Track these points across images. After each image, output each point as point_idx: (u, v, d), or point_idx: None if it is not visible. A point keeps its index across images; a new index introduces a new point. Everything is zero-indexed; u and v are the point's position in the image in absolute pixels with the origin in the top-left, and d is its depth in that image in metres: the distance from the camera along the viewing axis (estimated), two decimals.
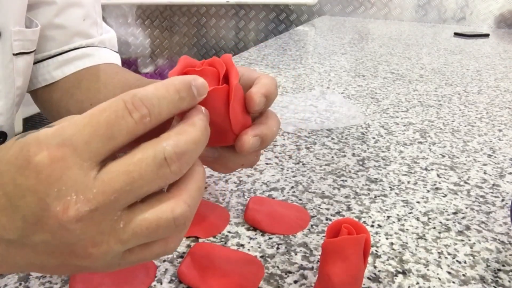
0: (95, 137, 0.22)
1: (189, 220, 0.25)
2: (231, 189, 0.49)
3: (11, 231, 0.24)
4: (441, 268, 0.38)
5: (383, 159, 0.57)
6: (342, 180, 0.52)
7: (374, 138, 0.64)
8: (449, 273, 0.37)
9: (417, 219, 0.44)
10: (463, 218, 0.45)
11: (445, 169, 0.55)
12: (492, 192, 0.50)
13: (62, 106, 0.57)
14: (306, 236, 0.41)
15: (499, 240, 0.42)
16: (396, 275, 0.36)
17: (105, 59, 0.59)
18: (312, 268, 0.37)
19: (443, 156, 0.59)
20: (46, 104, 0.59)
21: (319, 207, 0.46)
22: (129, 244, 0.25)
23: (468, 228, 0.43)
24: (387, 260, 0.38)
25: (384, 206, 0.47)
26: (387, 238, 0.41)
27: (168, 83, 0.24)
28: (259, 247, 0.39)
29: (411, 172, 0.54)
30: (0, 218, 0.24)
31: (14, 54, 0.52)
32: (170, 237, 0.26)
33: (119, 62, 0.62)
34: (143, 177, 0.23)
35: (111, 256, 0.25)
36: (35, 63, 0.56)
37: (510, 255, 0.40)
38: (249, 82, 0.35)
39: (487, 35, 1.57)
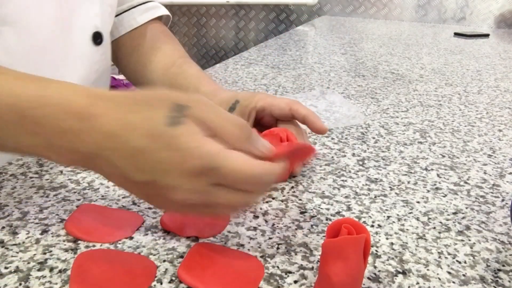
0: (231, 179, 0.33)
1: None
2: None
3: (136, 177, 0.33)
4: (441, 268, 0.38)
5: (383, 159, 0.57)
6: (342, 180, 0.52)
7: (374, 138, 0.64)
8: (449, 273, 0.37)
9: (417, 219, 0.44)
10: (463, 218, 0.45)
11: (445, 169, 0.55)
12: (492, 192, 0.50)
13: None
14: (306, 236, 0.41)
15: (499, 240, 0.42)
16: (396, 275, 0.36)
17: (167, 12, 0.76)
18: (312, 268, 0.37)
19: (443, 156, 0.59)
20: (134, 51, 0.71)
21: (319, 207, 0.46)
22: (211, 207, 0.34)
23: (468, 228, 0.43)
24: (387, 260, 0.38)
25: (384, 206, 0.47)
26: (387, 238, 0.41)
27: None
28: (259, 247, 0.39)
29: (411, 172, 0.54)
30: (132, 169, 0.33)
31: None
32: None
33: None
34: (237, 205, 0.35)
35: (189, 204, 0.34)
36: (121, 13, 0.70)
37: (510, 255, 0.40)
38: (284, 111, 0.51)
39: (487, 35, 1.57)
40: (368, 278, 0.36)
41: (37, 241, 0.39)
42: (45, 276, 0.35)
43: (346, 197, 0.48)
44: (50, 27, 0.55)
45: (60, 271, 0.35)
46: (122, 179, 0.34)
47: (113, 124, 0.33)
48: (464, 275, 0.37)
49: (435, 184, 0.51)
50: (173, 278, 0.35)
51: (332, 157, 0.58)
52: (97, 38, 0.62)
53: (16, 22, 0.51)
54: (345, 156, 0.58)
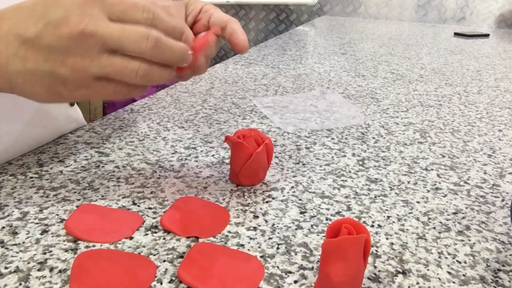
0: (118, 5, 0.36)
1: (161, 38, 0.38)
2: (231, 189, 0.49)
3: (31, 30, 0.36)
4: (441, 268, 0.38)
5: (383, 159, 0.57)
6: (342, 180, 0.52)
7: (374, 138, 0.64)
8: (449, 273, 0.37)
9: (417, 219, 0.44)
10: (463, 218, 0.45)
11: (445, 169, 0.55)
12: (492, 192, 0.50)
13: None
14: (306, 236, 0.41)
15: (499, 240, 0.42)
16: (396, 275, 0.36)
17: None
18: (312, 268, 0.37)
19: (443, 156, 0.59)
20: None
21: (319, 207, 0.46)
22: (103, 70, 0.37)
23: (468, 228, 0.43)
24: (387, 260, 0.38)
25: (384, 206, 0.47)
26: (387, 238, 0.41)
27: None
28: (259, 247, 0.39)
29: (411, 172, 0.54)
30: (28, 20, 0.36)
31: None
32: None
33: None
34: (129, 37, 0.36)
35: (87, 74, 0.37)
36: None
37: (510, 255, 0.40)
38: (220, 22, 0.48)
39: (487, 35, 1.57)
40: (368, 278, 0.36)
41: (37, 241, 0.39)
42: (45, 276, 0.35)
43: (346, 197, 0.48)
44: None
45: (60, 271, 0.36)
46: (22, 51, 0.36)
47: (11, 7, 0.37)
48: (464, 275, 0.37)
49: (435, 184, 0.51)
50: (173, 278, 0.35)
51: (332, 157, 0.58)
52: None
53: None
54: (345, 156, 0.58)
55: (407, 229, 0.43)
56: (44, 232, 0.40)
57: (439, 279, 0.36)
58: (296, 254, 0.39)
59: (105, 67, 0.37)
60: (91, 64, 0.36)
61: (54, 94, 0.38)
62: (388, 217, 0.45)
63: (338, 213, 0.45)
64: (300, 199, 0.47)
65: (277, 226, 0.42)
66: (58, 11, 0.35)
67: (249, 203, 0.46)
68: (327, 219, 0.44)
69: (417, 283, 0.36)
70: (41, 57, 0.36)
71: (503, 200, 0.49)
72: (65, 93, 0.38)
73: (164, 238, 0.40)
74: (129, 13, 0.37)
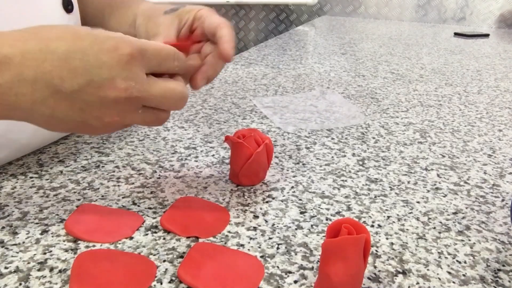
0: (155, 58, 0.37)
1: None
2: (231, 189, 0.49)
3: (68, 84, 0.34)
4: (441, 268, 0.38)
5: (383, 159, 0.57)
6: (342, 180, 0.52)
7: (374, 138, 0.64)
8: (449, 273, 0.37)
9: (417, 219, 0.44)
10: (463, 218, 0.45)
11: (445, 169, 0.55)
12: (492, 192, 0.50)
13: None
14: (306, 236, 0.41)
15: (499, 240, 0.42)
16: (396, 275, 0.36)
17: None
18: (312, 268, 0.37)
19: (443, 156, 0.59)
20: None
21: (319, 207, 0.46)
22: (135, 123, 0.39)
23: (468, 228, 0.43)
24: (387, 260, 0.38)
25: (384, 206, 0.47)
26: (387, 238, 0.41)
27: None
28: (259, 247, 0.39)
29: (411, 172, 0.54)
30: (64, 73, 0.34)
31: None
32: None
33: None
34: (169, 98, 0.38)
35: (120, 126, 0.38)
36: None
37: (510, 255, 0.40)
38: (211, 27, 0.48)
39: (487, 35, 1.57)
40: (368, 278, 0.36)
41: (37, 241, 0.39)
42: (45, 276, 0.35)
43: (346, 197, 0.48)
44: None
45: (60, 271, 0.36)
46: (52, 100, 0.34)
47: (33, 44, 0.34)
48: (464, 275, 0.37)
49: (435, 184, 0.51)
50: (173, 278, 0.35)
51: (332, 157, 0.58)
52: (68, 4, 0.55)
53: None
54: (345, 156, 0.58)
55: (407, 229, 0.43)
56: (44, 232, 0.40)
57: (439, 279, 0.36)
58: (296, 254, 0.39)
59: (137, 121, 0.39)
60: (125, 119, 0.37)
61: (74, 131, 0.39)
62: (388, 217, 0.45)
63: (338, 213, 0.45)
64: (300, 199, 0.47)
65: (277, 226, 0.42)
66: (103, 72, 0.34)
67: (249, 203, 0.46)
68: (327, 219, 0.44)
69: (417, 283, 0.36)
70: (74, 109, 0.35)
71: (503, 200, 0.49)
72: (87, 133, 0.39)
73: (164, 238, 0.40)
74: (163, 64, 0.38)
